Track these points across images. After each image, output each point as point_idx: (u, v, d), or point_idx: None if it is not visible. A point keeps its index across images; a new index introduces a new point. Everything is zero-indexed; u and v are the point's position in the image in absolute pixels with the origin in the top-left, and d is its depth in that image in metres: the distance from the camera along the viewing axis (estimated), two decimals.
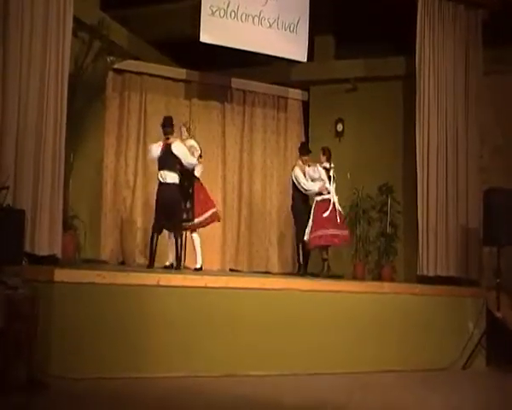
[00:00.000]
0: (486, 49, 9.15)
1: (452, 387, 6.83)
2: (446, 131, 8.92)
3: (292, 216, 9.45)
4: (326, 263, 8.92)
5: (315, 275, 8.86)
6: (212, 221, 8.87)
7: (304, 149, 9.41)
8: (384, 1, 9.17)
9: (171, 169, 8.17)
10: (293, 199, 9.28)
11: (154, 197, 8.33)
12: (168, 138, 8.28)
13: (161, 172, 8.19)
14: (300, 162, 9.24)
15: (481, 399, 6.52)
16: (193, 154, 8.51)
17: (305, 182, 9.03)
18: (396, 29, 9.56)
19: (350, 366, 7.07)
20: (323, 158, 9.05)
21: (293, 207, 9.32)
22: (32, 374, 5.33)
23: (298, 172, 9.14)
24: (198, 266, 8.58)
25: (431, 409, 5.71)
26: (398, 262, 9.52)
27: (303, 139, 10.69)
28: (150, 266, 8.09)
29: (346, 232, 8.89)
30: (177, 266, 8.17)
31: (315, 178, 8.98)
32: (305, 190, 9.05)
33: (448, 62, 9.03)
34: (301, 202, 9.18)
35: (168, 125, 8.32)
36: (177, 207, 8.30)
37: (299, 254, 9.17)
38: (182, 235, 8.40)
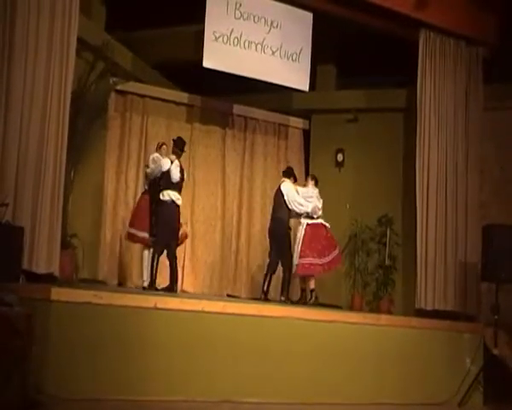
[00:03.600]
0: (487, 84, 9.21)
1: None
2: (446, 165, 8.94)
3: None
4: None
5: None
6: None
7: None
8: (386, 34, 9.23)
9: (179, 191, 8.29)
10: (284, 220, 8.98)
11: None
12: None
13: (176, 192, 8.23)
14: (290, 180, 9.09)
15: None
16: None
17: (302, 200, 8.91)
18: (397, 62, 9.65)
19: (346, 397, 6.99)
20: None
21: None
22: (27, 393, 5.23)
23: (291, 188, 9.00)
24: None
25: None
26: (396, 294, 9.50)
27: (303, 167, 10.73)
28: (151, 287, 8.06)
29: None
30: (173, 289, 8.08)
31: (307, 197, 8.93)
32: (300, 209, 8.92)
33: (449, 97, 9.09)
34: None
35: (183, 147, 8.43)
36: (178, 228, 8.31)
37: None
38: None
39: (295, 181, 9.13)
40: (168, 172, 8.17)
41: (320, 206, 8.83)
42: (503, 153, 9.48)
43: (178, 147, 8.39)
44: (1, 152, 6.52)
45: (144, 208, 8.58)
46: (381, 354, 7.35)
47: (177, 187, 8.26)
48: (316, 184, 9.02)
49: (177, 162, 8.24)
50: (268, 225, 9.03)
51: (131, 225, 8.72)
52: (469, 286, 8.63)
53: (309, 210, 8.80)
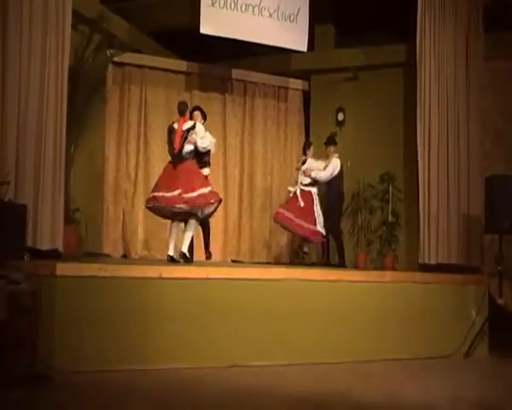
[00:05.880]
0: (487, 34, 9.07)
1: (455, 375, 6.82)
2: (447, 118, 8.87)
3: None
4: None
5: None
6: None
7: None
8: None
9: None
10: None
11: None
12: None
13: None
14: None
15: (484, 386, 6.50)
16: None
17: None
18: (396, 16, 9.57)
19: (352, 355, 7.08)
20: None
21: None
22: (35, 368, 5.38)
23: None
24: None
25: (433, 397, 5.69)
26: (399, 251, 9.50)
27: (303, 129, 10.80)
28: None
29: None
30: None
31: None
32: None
33: (449, 49, 8.97)
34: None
35: None
36: None
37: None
38: None
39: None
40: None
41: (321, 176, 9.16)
42: (505, 102, 9.39)
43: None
44: (0, 130, 6.56)
45: None
46: (386, 311, 7.43)
47: None
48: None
49: None
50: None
51: None
52: (473, 238, 8.62)
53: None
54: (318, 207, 9.07)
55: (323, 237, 9.07)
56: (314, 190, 9.14)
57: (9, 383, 5.09)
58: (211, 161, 8.38)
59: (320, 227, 8.97)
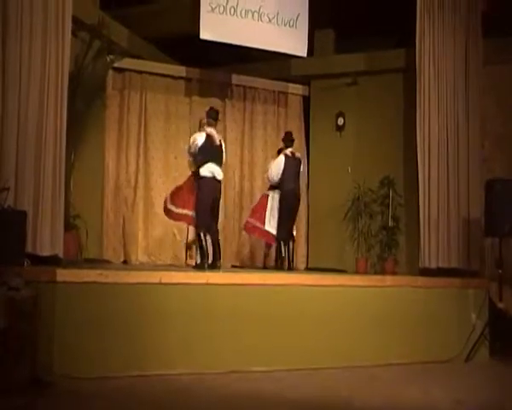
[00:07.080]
0: (487, 38, 9.08)
1: (455, 379, 6.83)
2: (447, 123, 8.86)
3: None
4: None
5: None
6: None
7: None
8: None
9: (221, 166, 8.34)
10: None
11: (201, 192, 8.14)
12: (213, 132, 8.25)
13: (219, 168, 8.24)
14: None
15: (484, 390, 6.51)
16: None
17: None
18: (396, 21, 9.57)
19: (353, 360, 7.08)
20: None
21: None
22: (36, 374, 5.39)
23: None
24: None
25: (434, 401, 5.70)
26: (400, 255, 9.51)
27: (303, 134, 10.78)
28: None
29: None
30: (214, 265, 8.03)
31: None
32: None
33: (448, 53, 8.96)
34: None
35: (217, 117, 8.41)
36: None
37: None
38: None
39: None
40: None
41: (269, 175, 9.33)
42: (505, 106, 9.40)
43: (211, 117, 8.36)
44: (0, 136, 6.55)
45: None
46: (387, 315, 7.44)
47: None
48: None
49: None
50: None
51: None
52: (473, 242, 8.60)
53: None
54: (274, 210, 9.17)
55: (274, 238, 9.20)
56: (270, 192, 9.31)
57: (9, 389, 5.10)
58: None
59: (271, 228, 9.14)
